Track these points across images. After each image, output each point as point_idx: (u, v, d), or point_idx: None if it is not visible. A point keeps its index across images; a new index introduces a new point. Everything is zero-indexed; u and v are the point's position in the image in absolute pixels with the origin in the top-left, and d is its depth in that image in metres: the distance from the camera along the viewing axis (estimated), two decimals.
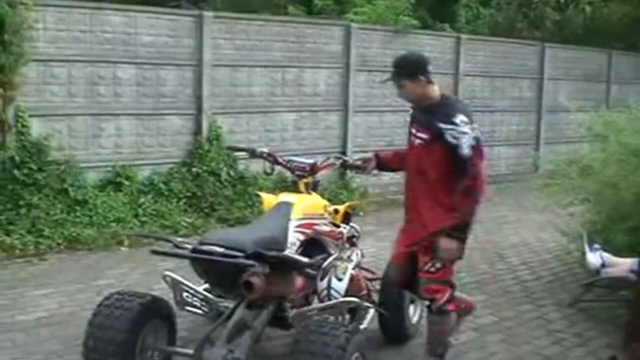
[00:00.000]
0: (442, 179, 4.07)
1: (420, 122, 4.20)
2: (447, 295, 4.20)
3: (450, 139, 3.98)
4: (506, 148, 13.16)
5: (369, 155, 4.86)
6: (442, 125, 4.01)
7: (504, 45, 13.04)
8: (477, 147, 3.99)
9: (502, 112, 13.03)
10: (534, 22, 15.00)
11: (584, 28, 15.84)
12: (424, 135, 4.12)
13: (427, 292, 4.26)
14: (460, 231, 4.07)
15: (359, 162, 4.91)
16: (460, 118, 3.99)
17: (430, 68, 4.22)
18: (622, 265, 5.64)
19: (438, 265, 4.15)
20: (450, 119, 4.00)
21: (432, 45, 11.68)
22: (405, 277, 4.47)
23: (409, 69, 4.20)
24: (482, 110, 12.58)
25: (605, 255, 5.80)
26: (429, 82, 4.19)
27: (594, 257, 5.81)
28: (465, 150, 3.95)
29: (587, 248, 5.94)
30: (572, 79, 13.96)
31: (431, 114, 4.11)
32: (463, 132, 3.96)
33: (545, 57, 13.52)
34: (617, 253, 5.86)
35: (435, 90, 4.21)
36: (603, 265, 5.75)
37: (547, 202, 7.13)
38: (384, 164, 4.77)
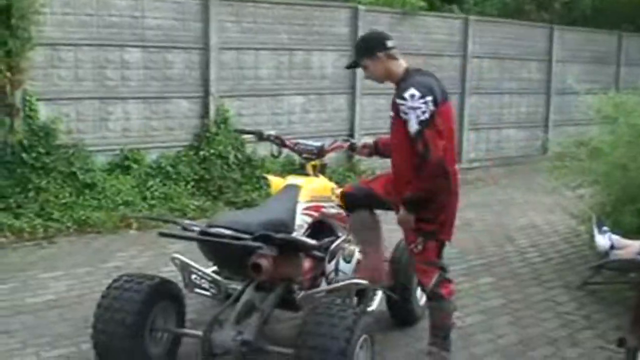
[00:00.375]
0: (411, 156, 3.91)
1: (392, 101, 4.14)
2: (434, 278, 4.16)
3: (402, 115, 3.87)
4: (515, 130, 13.13)
5: (370, 141, 4.89)
6: (397, 101, 3.92)
7: (512, 27, 12.97)
8: (430, 123, 3.83)
9: (511, 94, 12.98)
10: (543, 3, 14.89)
11: (593, 9, 15.71)
12: (391, 113, 4.07)
13: (417, 272, 4.31)
14: (409, 205, 3.99)
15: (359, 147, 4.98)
16: (410, 92, 3.85)
17: (390, 43, 4.11)
18: (631, 247, 5.61)
19: (420, 247, 4.11)
20: (401, 94, 3.89)
21: (439, 27, 11.63)
22: (352, 189, 4.54)
23: (366, 49, 4.15)
24: (491, 93, 12.56)
25: (614, 237, 5.78)
26: (391, 57, 4.09)
27: (602, 239, 5.78)
28: (414, 127, 3.81)
29: (595, 230, 5.91)
30: (581, 61, 13.88)
31: (395, 91, 4.05)
32: (412, 107, 3.82)
33: (554, 38, 13.44)
34: (626, 235, 5.83)
35: (400, 66, 4.10)
36: (612, 247, 5.72)
37: (556, 184, 7.09)
38: (382, 150, 4.77)
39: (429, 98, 3.85)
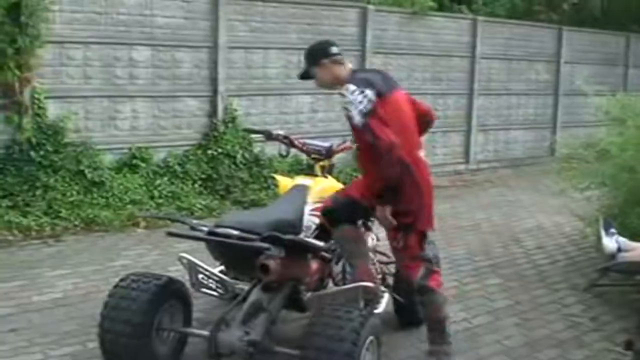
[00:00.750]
0: (366, 150, 4.06)
1: None
2: (421, 271, 4.18)
3: (346, 112, 3.98)
4: (523, 132, 13.09)
5: None
6: (341, 99, 4.05)
7: (521, 28, 12.93)
8: (374, 113, 3.91)
9: (519, 95, 12.95)
10: (552, 4, 14.86)
11: (602, 11, 15.67)
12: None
13: (403, 269, 4.34)
14: (381, 197, 4.04)
15: None
16: (348, 88, 3.98)
17: (334, 49, 4.26)
18: (638, 249, 5.62)
19: (402, 242, 4.14)
20: (343, 92, 4.01)
21: (449, 28, 11.61)
22: (330, 204, 4.37)
23: (312, 58, 4.29)
24: (499, 94, 12.53)
25: (622, 239, 5.78)
26: (336, 62, 4.24)
27: (610, 242, 5.79)
28: (356, 119, 3.92)
29: (603, 232, 5.91)
30: (590, 63, 13.83)
31: None
32: (351, 101, 3.93)
33: (562, 40, 13.41)
34: (633, 237, 5.83)
35: (345, 69, 4.25)
36: (619, 250, 5.73)
37: (564, 186, 7.09)
38: None
39: (368, 91, 3.95)
